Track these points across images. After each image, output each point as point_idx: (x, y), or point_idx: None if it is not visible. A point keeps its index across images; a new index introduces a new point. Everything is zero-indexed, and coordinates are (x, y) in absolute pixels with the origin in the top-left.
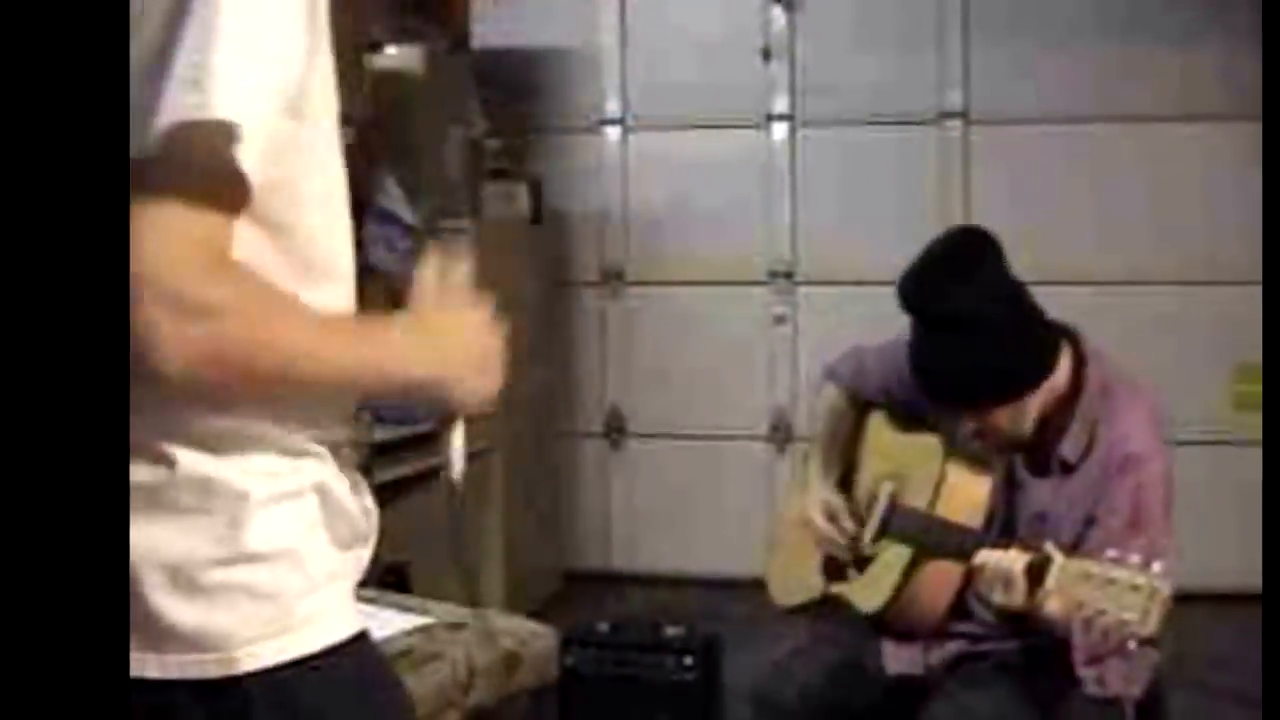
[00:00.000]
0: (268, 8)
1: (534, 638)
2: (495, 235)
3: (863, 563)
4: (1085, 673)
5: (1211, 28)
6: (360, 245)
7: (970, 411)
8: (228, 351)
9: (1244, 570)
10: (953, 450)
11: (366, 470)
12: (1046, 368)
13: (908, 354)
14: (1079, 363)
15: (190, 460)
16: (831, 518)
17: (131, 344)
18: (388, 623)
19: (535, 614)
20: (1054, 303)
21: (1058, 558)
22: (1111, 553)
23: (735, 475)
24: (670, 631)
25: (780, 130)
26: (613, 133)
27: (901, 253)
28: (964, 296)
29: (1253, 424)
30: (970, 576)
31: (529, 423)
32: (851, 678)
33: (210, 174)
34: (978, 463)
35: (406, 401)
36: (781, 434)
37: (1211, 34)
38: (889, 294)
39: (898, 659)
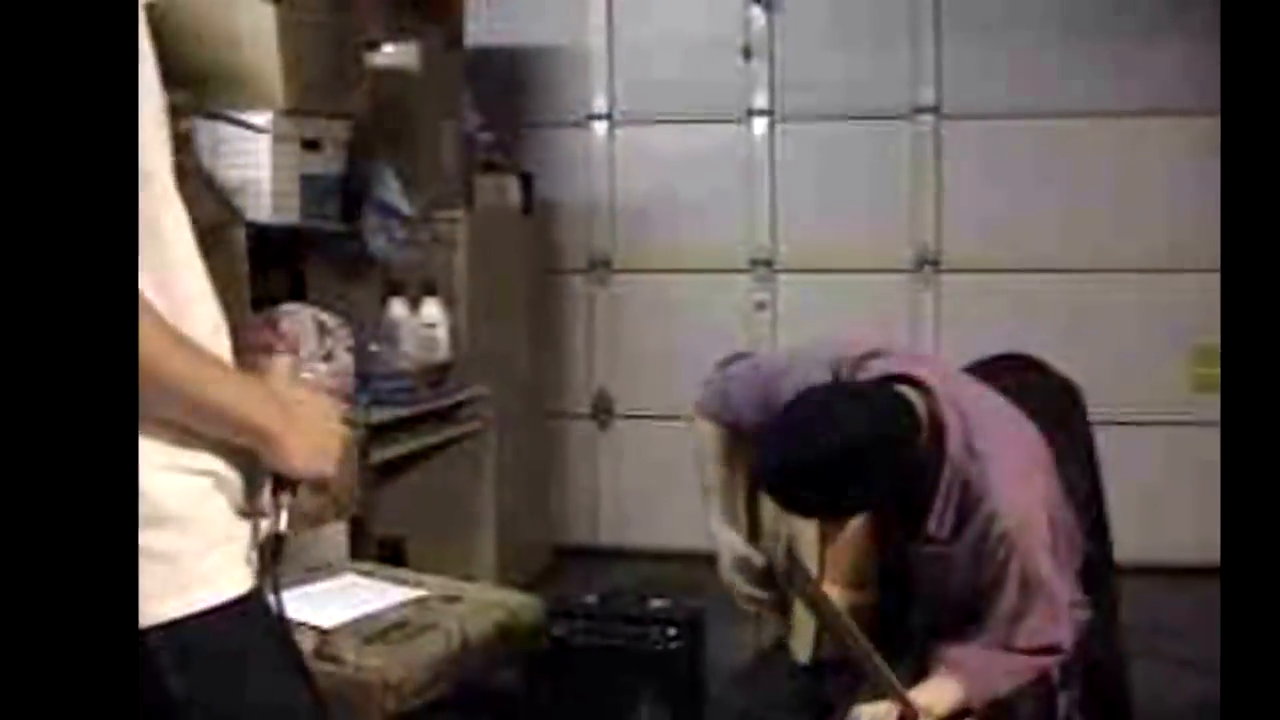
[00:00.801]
0: None
1: (524, 609)
2: (487, 225)
3: (786, 605)
4: None
5: (1173, 26)
6: (359, 235)
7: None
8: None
9: (1202, 545)
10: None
11: (363, 451)
12: (907, 469)
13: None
14: (936, 427)
15: None
16: (745, 569)
17: None
18: (384, 594)
19: (526, 587)
20: (1021, 289)
21: (923, 713)
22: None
23: None
24: (655, 604)
25: (760, 125)
26: (600, 127)
27: (875, 242)
28: (802, 449)
29: (1211, 405)
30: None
31: (520, 403)
32: (796, 709)
33: None
34: (857, 535)
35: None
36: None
37: (1173, 32)
38: (865, 281)
39: (841, 692)
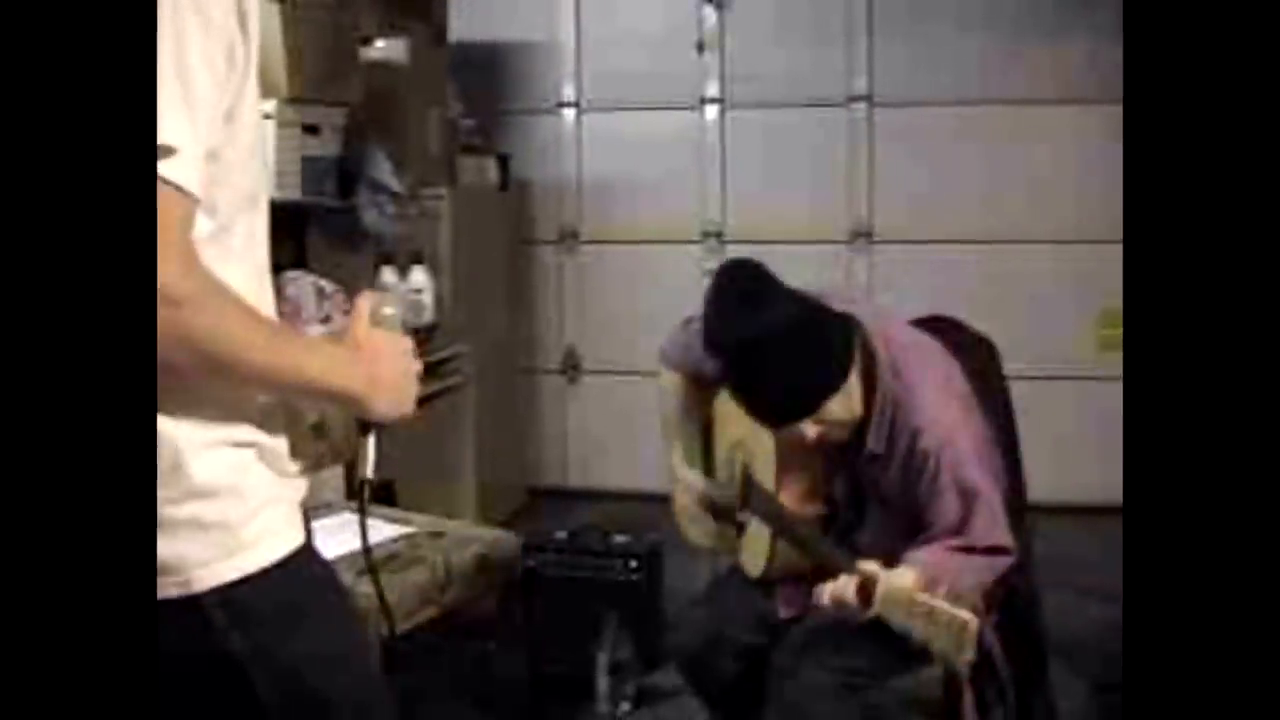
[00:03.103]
0: (191, 45)
1: (501, 544)
2: (468, 201)
3: (739, 526)
4: None
5: (1080, 22)
6: (354, 210)
7: (800, 419)
8: (193, 337)
9: (1107, 486)
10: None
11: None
12: (846, 360)
13: (732, 390)
14: (866, 351)
15: None
16: (703, 503)
17: None
18: (376, 531)
19: (503, 524)
20: (946, 258)
21: (881, 580)
22: (935, 585)
23: None
24: (618, 539)
25: (712, 112)
26: (569, 114)
27: (813, 216)
28: (749, 325)
29: (1114, 361)
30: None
31: (497, 360)
32: (749, 623)
33: (162, 188)
34: (804, 447)
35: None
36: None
37: (1080, 28)
38: (805, 251)
39: (788, 603)
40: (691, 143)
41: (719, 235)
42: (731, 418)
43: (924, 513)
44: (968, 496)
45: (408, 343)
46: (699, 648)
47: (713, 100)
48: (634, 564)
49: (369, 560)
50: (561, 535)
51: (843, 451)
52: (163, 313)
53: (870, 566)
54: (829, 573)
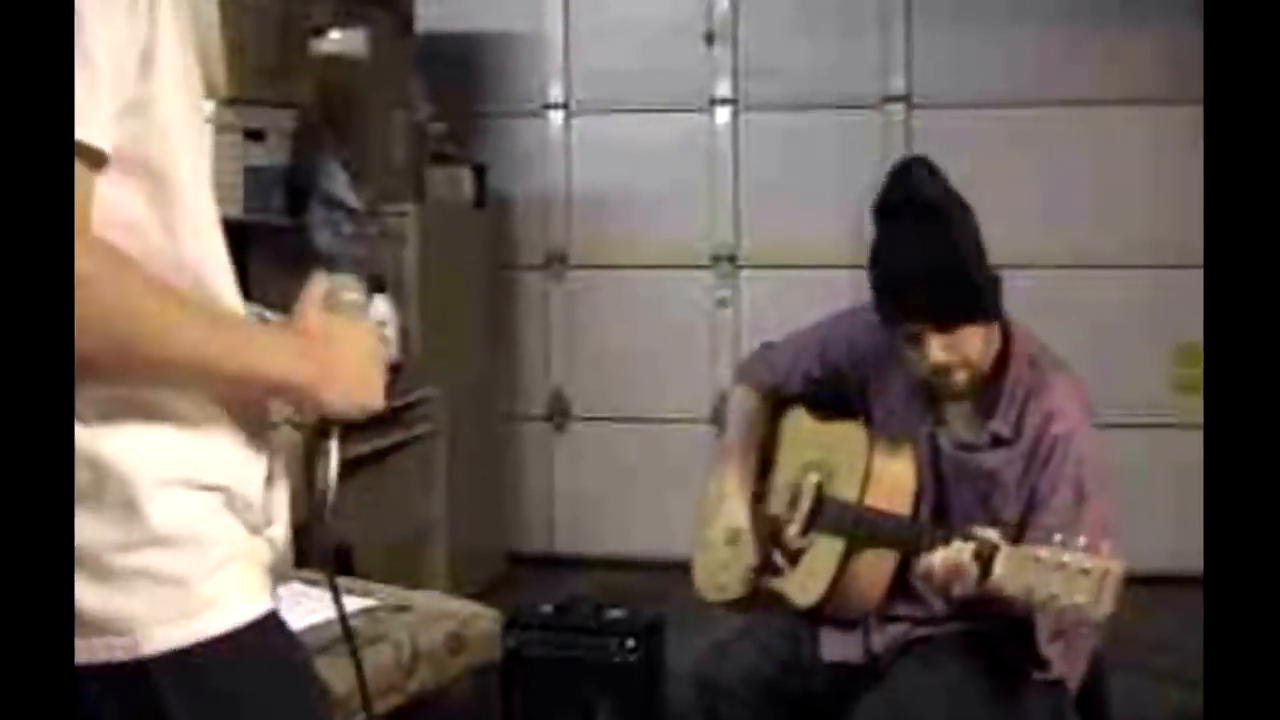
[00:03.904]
0: None
1: (477, 620)
2: (438, 219)
3: (794, 555)
4: (1049, 650)
5: (1153, 10)
6: (304, 229)
7: (939, 329)
8: (93, 320)
9: (1183, 553)
10: (876, 436)
11: (309, 455)
12: (998, 299)
13: (875, 283)
14: (1006, 332)
15: (80, 435)
16: (758, 523)
17: None
18: (330, 604)
19: (478, 596)
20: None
21: (1004, 546)
22: (1058, 537)
23: (677, 458)
24: (613, 614)
25: (723, 114)
26: (556, 117)
27: (843, 237)
28: (941, 187)
29: (1192, 407)
30: (908, 562)
31: (472, 405)
32: (790, 662)
33: None
34: (901, 445)
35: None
36: (724, 416)
37: (1153, 17)
38: (834, 278)
39: (834, 646)
40: (700, 150)
41: (732, 259)
42: (804, 437)
43: (1032, 508)
44: (1082, 497)
45: (370, 328)
46: (730, 685)
47: (724, 101)
48: (631, 642)
49: (346, 629)
50: (547, 609)
51: (962, 435)
52: None
53: (989, 533)
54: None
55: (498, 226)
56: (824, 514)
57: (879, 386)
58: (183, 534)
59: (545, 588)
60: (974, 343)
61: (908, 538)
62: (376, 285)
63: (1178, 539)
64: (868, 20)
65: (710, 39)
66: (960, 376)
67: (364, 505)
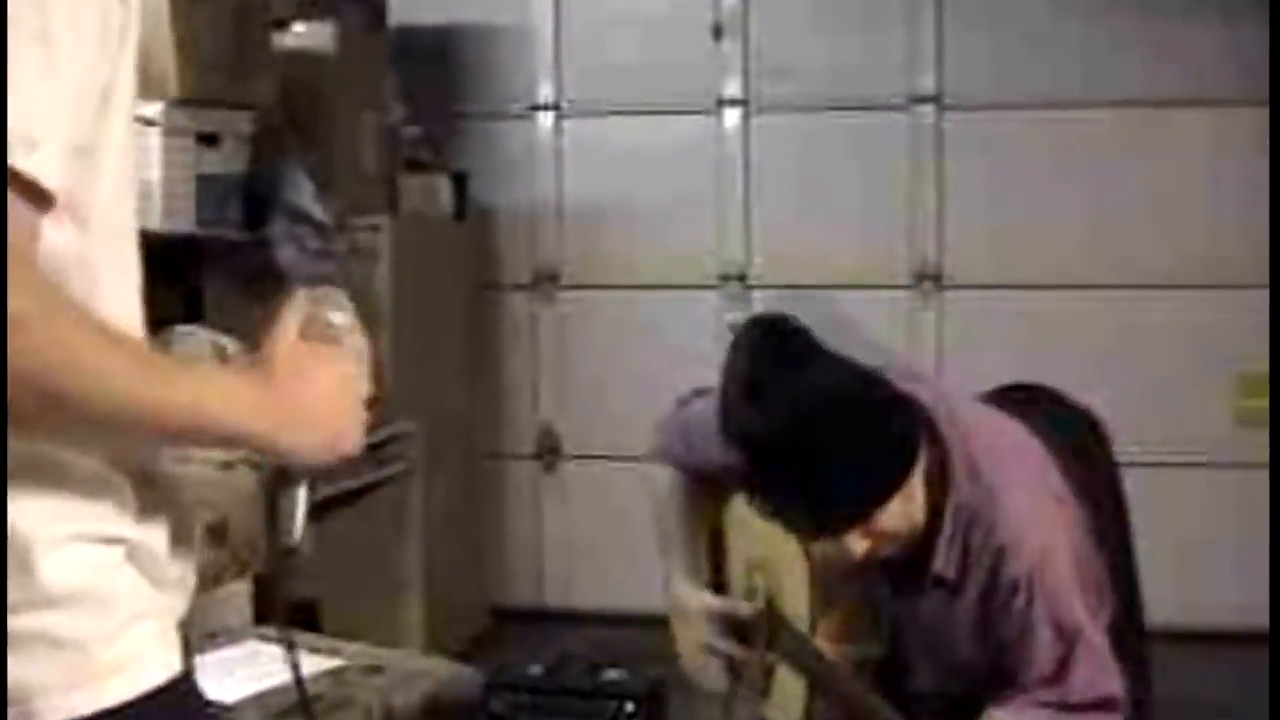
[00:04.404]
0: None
1: (457, 681)
2: (414, 233)
3: (764, 671)
4: None
5: (1213, 3)
6: (265, 245)
7: (847, 530)
8: (24, 367)
9: (1247, 607)
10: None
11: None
12: (909, 455)
13: (770, 500)
14: (937, 447)
15: None
16: (726, 627)
17: None
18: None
19: (459, 655)
20: (1037, 308)
21: None
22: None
23: None
24: (609, 675)
25: (733, 117)
26: (545, 119)
27: (867, 254)
28: (782, 403)
29: (1256, 443)
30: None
31: (451, 443)
32: None
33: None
34: (847, 569)
35: (235, 451)
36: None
37: (1213, 7)
38: (854, 299)
39: None
40: (706, 157)
41: (742, 278)
42: (750, 531)
43: (1008, 657)
44: (1067, 636)
45: (351, 357)
46: None
47: (733, 102)
48: (630, 706)
49: (303, 697)
50: (536, 670)
51: (900, 575)
52: None
53: None
54: None
55: (480, 242)
56: (781, 640)
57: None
58: (81, 593)
59: (533, 645)
60: (894, 513)
61: (868, 705)
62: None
63: (1241, 592)
64: (894, 12)
65: (718, 32)
66: (893, 547)
67: (331, 553)
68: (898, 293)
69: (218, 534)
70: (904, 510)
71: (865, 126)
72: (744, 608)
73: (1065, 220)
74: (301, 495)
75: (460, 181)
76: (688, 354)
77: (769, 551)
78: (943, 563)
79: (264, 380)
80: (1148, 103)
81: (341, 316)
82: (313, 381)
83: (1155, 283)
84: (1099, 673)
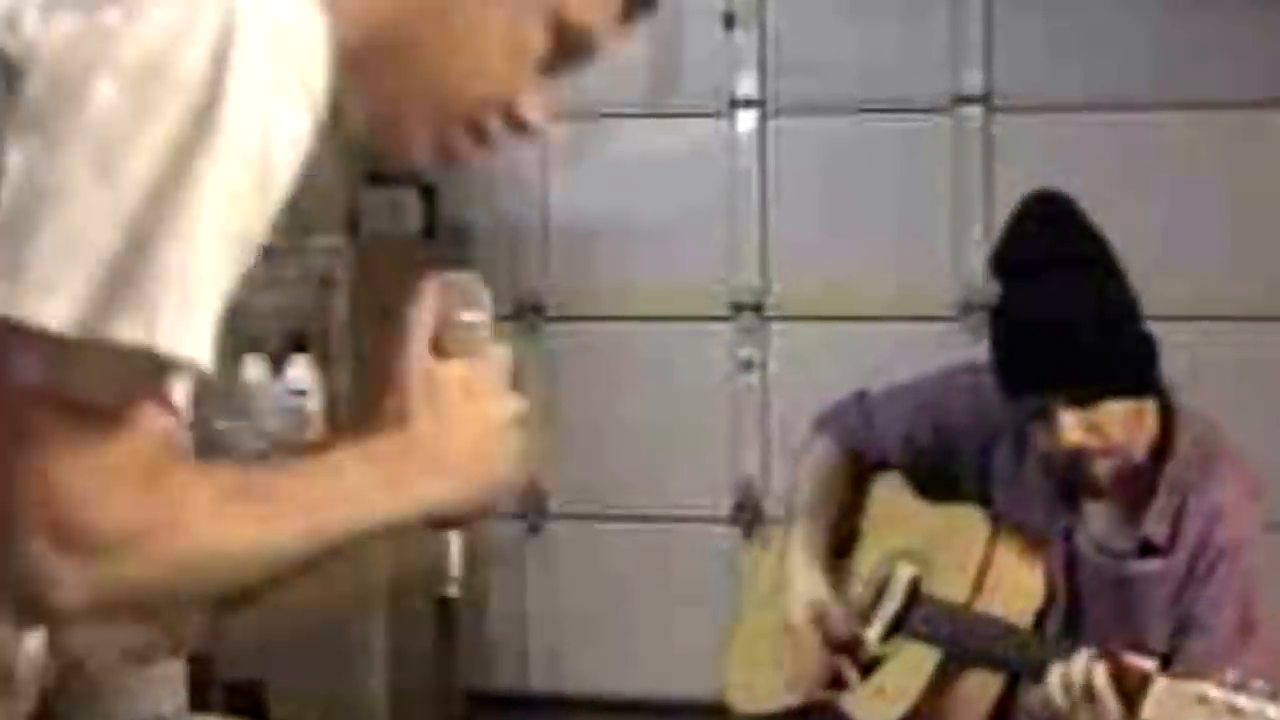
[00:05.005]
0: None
1: None
2: (377, 256)
3: (867, 665)
4: None
5: None
6: None
7: (1074, 403)
8: (191, 575)
9: None
10: (998, 528)
11: None
12: (1154, 368)
13: (995, 336)
14: (1166, 414)
15: None
16: (823, 620)
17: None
18: None
19: None
20: None
21: (1160, 678)
22: (1232, 675)
23: (689, 568)
24: None
25: (747, 119)
26: None
27: (905, 279)
28: (1088, 235)
29: None
30: (1014, 689)
31: None
32: None
33: (139, 385)
34: (1029, 542)
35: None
36: (749, 514)
37: None
38: (890, 332)
39: None
40: (717, 167)
41: (758, 309)
42: (900, 517)
43: (1187, 629)
44: (1249, 619)
45: (493, 369)
46: None
47: (748, 102)
48: None
49: None
50: None
51: (1107, 535)
52: (97, 567)
53: (1140, 660)
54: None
55: (453, 265)
56: (916, 616)
57: (1004, 466)
58: None
59: None
60: (1121, 423)
61: (1028, 655)
62: (296, 343)
63: None
64: (935, 1)
65: (730, 22)
66: (1102, 466)
67: (279, 628)
68: (941, 326)
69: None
70: (1128, 423)
71: (901, 131)
72: (870, 574)
73: (1133, 241)
74: (455, 539)
75: (429, 195)
76: (695, 397)
77: (919, 539)
78: (1154, 524)
79: (404, 452)
80: (1231, 105)
81: (475, 313)
82: (456, 423)
83: (1238, 314)
84: (1269, 668)
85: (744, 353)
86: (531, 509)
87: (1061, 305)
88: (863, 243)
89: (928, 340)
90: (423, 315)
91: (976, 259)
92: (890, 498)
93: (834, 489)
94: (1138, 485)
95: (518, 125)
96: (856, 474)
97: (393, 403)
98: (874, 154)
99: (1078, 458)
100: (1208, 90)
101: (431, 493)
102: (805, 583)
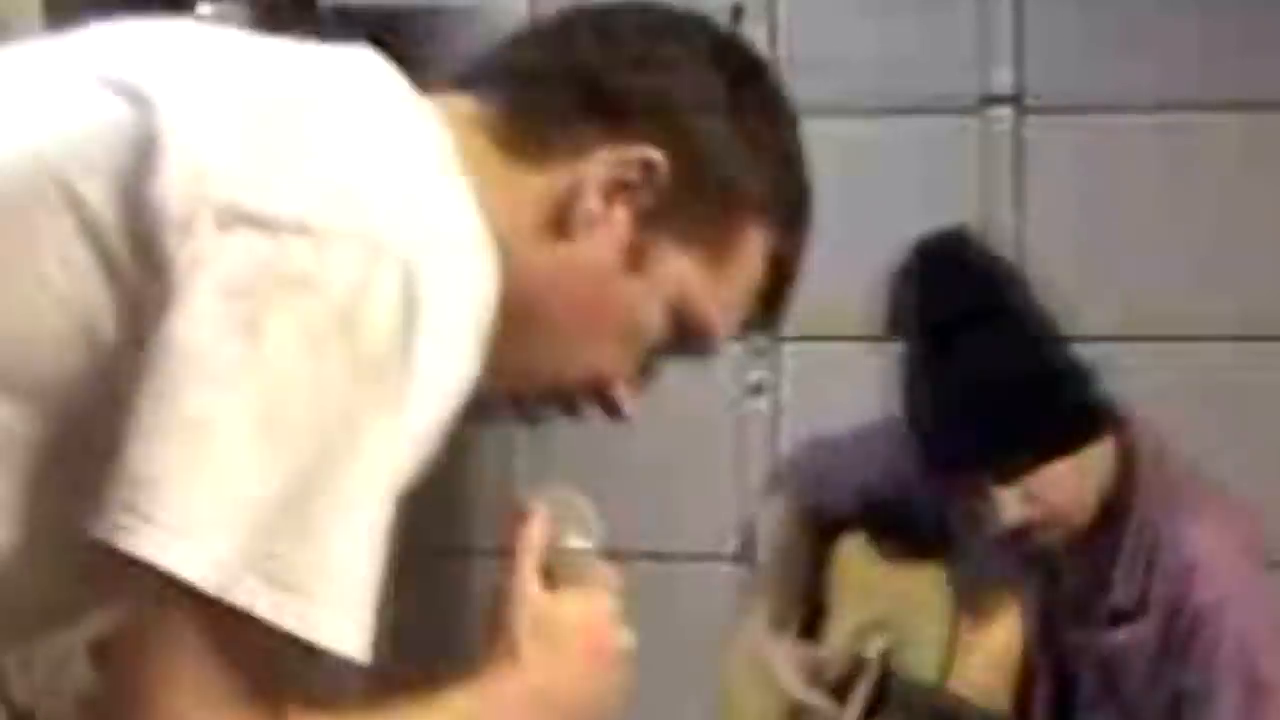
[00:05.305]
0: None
1: None
2: None
3: None
4: None
5: None
6: None
7: (1009, 476)
8: None
9: None
10: (968, 582)
11: None
12: (1095, 417)
13: (905, 408)
14: (1124, 457)
15: None
16: (803, 682)
17: None
18: None
19: None
20: (1143, 364)
21: None
22: None
23: (691, 611)
24: None
25: None
26: None
27: None
28: (988, 285)
29: None
30: None
31: (402, 532)
32: None
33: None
34: (1000, 602)
35: None
36: (756, 552)
37: None
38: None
39: None
40: None
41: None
42: (865, 582)
43: (1190, 709)
44: (1257, 691)
45: (603, 600)
46: None
47: None
48: None
49: None
50: None
51: (1075, 604)
52: None
53: None
54: None
55: None
56: (893, 695)
57: (968, 516)
58: None
59: None
60: (1063, 485)
61: None
62: None
63: None
64: None
65: (738, 14)
66: (1052, 536)
67: None
68: None
69: None
70: (1073, 487)
71: (925, 133)
72: (840, 654)
73: (1176, 251)
74: None
75: None
76: (699, 424)
77: (890, 608)
78: (1120, 589)
79: (513, 685)
80: None
81: (582, 539)
82: (568, 662)
83: None
84: None
85: (753, 376)
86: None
87: (976, 369)
88: (882, 256)
89: None
90: (530, 540)
91: None
92: (854, 563)
93: (795, 560)
94: (1099, 545)
95: (609, 408)
96: (816, 539)
97: (502, 635)
98: (893, 159)
99: (1024, 534)
100: (1262, 89)
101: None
102: (783, 652)
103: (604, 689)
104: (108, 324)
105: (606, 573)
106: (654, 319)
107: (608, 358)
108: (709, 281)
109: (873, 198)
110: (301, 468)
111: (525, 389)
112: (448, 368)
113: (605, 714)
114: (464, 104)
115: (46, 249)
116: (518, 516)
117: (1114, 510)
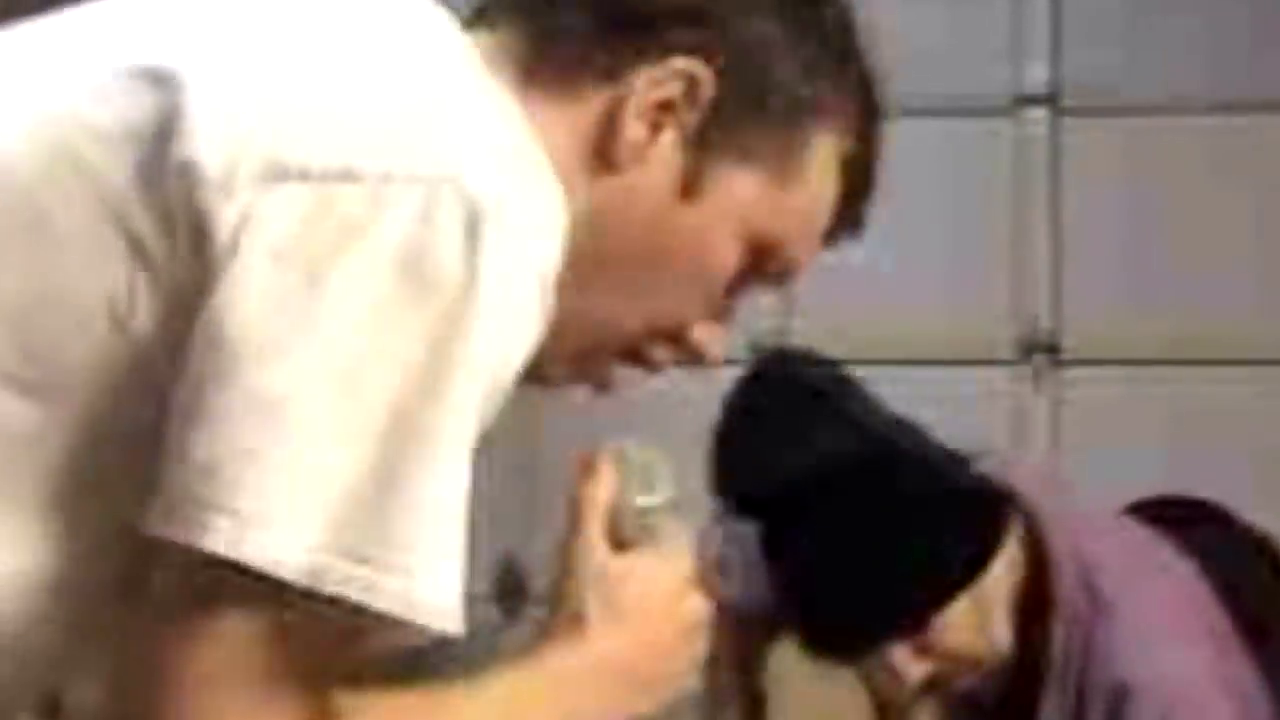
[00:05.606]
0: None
1: None
2: None
3: None
4: None
5: None
6: None
7: (895, 640)
8: None
9: None
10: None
11: None
12: (984, 547)
13: (782, 605)
14: (1034, 570)
15: None
16: None
17: None
18: None
19: None
20: (1188, 390)
21: None
22: None
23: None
24: None
25: None
26: None
27: (956, 316)
28: (804, 452)
29: None
30: None
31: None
32: None
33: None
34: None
35: None
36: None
37: None
38: (939, 378)
39: None
40: None
41: (781, 350)
42: (798, 698)
43: None
44: None
45: (675, 562)
46: None
47: None
48: None
49: None
50: None
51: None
52: None
53: None
54: None
55: None
56: None
57: (871, 680)
58: None
59: None
60: (960, 624)
61: None
62: None
63: None
64: None
65: None
66: (965, 681)
67: None
68: (997, 371)
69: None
70: (974, 624)
71: (954, 136)
72: None
73: (1227, 265)
74: None
75: None
76: (699, 457)
77: (835, 711)
78: (1054, 702)
79: (580, 658)
80: None
81: (652, 497)
82: (638, 630)
83: None
84: None
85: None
86: (508, 591)
87: (836, 543)
88: (906, 271)
89: (980, 388)
90: (597, 496)
91: (1038, 292)
92: (788, 675)
93: (729, 678)
94: (1021, 676)
95: (692, 354)
96: (750, 651)
97: (565, 603)
98: (921, 163)
99: (932, 687)
100: None
101: (612, 707)
102: None
103: (678, 660)
104: (135, 307)
105: (681, 531)
106: (723, 250)
107: (679, 299)
108: (779, 201)
109: (896, 206)
110: (384, 430)
111: (591, 346)
112: (520, 308)
113: (678, 689)
114: (483, 39)
115: (62, 228)
116: (584, 471)
117: (1029, 621)
